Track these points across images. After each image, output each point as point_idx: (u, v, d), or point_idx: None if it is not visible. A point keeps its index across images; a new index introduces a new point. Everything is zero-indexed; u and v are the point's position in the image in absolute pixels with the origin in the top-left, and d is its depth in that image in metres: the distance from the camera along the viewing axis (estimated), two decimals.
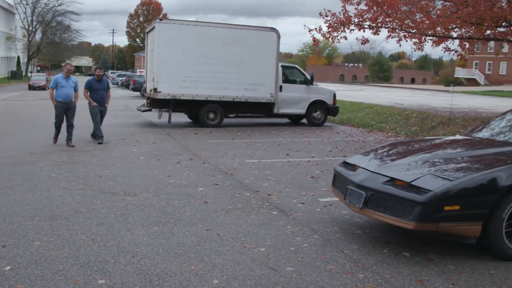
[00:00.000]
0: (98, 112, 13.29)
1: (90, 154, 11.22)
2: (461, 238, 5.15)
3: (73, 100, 12.55)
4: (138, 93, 36.69)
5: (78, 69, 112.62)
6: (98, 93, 13.35)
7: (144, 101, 19.99)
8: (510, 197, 5.09)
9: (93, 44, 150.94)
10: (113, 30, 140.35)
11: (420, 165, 5.59)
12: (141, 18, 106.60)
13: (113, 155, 11.07)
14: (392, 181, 5.34)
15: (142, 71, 43.10)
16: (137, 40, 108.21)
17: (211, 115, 17.52)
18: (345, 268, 4.92)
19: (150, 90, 17.33)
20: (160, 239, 5.63)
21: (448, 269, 4.98)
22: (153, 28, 17.01)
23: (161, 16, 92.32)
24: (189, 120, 19.28)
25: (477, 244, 5.25)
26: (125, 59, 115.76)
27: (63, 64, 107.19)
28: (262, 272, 4.76)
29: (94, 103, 13.21)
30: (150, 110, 18.43)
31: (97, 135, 13.21)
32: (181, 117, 19.63)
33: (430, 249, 5.50)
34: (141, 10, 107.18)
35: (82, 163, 10.13)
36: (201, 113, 17.39)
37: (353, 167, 6.11)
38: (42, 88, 45.35)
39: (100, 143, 12.87)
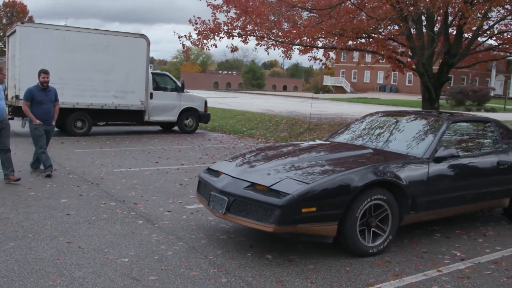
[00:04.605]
0: (43, 133, 9.76)
1: None
2: (319, 238, 5.40)
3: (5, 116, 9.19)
4: None
5: None
6: (42, 107, 9.74)
7: (6, 109, 18.82)
8: (363, 197, 5.43)
9: None
10: None
11: (282, 169, 5.78)
12: (4, 21, 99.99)
13: None
14: (253, 186, 5.47)
15: None
16: (0, 44, 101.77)
17: (79, 124, 16.90)
18: (209, 274, 4.95)
19: (12, 98, 16.36)
20: (16, 255, 5.32)
21: (308, 268, 5.19)
22: (14, 31, 16.09)
23: (26, 19, 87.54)
24: (55, 128, 18.42)
25: (334, 242, 5.52)
26: None
27: None
28: (124, 283, 4.67)
29: (37, 121, 9.67)
30: (12, 118, 17.30)
31: (44, 165, 9.68)
32: None
33: (291, 251, 5.71)
34: (3, 12, 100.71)
35: None
36: (68, 121, 16.71)
37: (216, 173, 6.17)
38: None
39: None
